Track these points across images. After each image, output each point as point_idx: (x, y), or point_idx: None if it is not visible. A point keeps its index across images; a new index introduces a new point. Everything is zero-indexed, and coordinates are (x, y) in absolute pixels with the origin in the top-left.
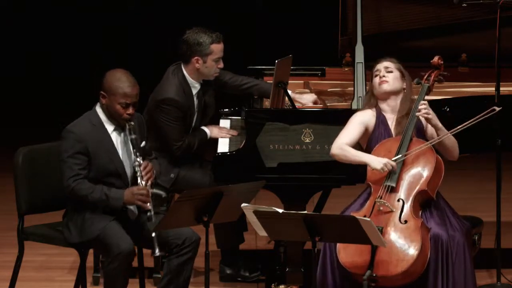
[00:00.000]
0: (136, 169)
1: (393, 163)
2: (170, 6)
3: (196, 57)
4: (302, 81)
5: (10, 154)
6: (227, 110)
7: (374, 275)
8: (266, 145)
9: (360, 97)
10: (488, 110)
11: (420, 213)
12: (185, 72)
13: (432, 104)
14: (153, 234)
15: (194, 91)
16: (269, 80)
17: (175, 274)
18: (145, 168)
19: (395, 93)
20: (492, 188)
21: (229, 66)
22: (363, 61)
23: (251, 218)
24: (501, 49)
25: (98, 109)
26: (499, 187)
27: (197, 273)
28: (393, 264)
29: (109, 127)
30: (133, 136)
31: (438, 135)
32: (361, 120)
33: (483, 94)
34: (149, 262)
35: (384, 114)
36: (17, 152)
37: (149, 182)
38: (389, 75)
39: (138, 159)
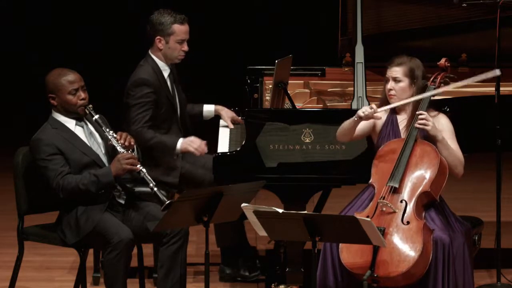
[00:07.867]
0: (113, 142)
1: (369, 105)
2: (171, 7)
3: (158, 37)
4: (302, 81)
5: (10, 154)
6: None
7: (376, 275)
8: (266, 145)
9: (360, 97)
10: (490, 71)
11: (423, 215)
12: (153, 56)
13: (433, 104)
14: (155, 189)
15: (166, 74)
16: (269, 80)
17: (169, 264)
18: (120, 137)
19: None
20: (492, 188)
21: (229, 65)
22: (363, 61)
23: (251, 218)
24: (501, 49)
25: (54, 114)
26: (499, 187)
27: (197, 273)
28: (394, 265)
29: (71, 125)
30: (97, 116)
31: (437, 147)
32: None
33: (483, 94)
34: (149, 262)
35: (397, 114)
36: (17, 152)
37: (131, 143)
38: (396, 86)
39: (110, 133)
